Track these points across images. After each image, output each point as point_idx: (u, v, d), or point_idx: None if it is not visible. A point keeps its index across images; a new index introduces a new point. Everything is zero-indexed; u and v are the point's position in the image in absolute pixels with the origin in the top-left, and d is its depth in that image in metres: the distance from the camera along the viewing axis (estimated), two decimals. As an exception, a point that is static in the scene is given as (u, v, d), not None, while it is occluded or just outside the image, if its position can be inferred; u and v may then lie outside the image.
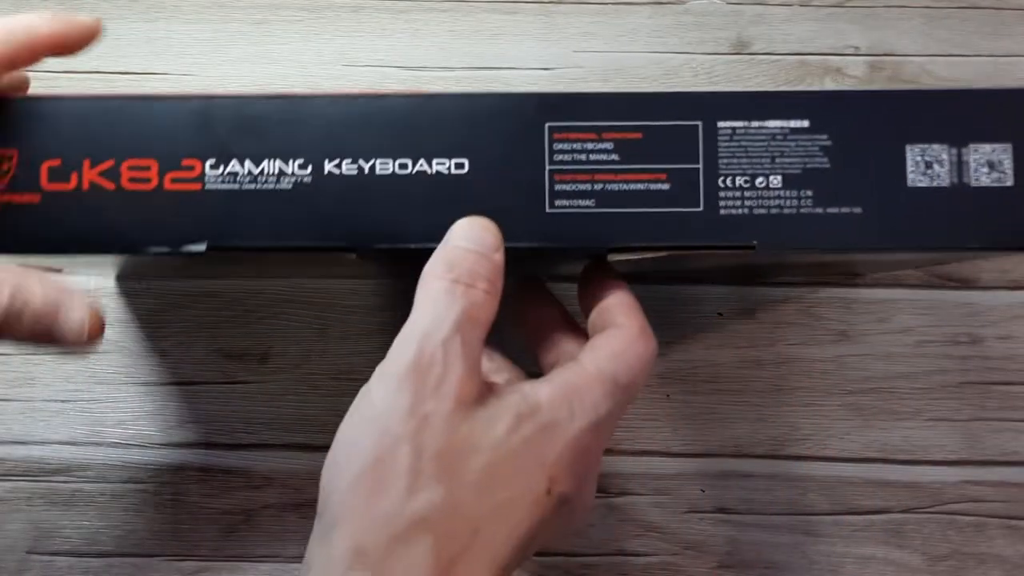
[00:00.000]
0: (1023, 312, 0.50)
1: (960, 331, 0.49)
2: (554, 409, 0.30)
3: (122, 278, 0.48)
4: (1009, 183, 0.31)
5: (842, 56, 0.53)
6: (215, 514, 0.45)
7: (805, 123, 0.31)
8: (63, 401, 0.47)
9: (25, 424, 0.47)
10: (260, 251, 0.32)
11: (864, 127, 0.31)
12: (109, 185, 0.32)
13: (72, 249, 0.32)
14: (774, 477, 0.46)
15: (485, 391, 0.30)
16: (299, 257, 0.33)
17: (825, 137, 0.31)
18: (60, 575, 0.44)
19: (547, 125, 0.32)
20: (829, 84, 0.53)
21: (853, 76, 0.53)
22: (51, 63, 0.53)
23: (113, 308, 0.48)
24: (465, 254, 0.30)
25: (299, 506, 0.45)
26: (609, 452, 0.46)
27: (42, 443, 0.46)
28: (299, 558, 0.29)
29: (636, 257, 0.33)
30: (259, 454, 0.46)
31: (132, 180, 0.32)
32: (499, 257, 0.30)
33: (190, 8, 0.54)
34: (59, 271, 0.42)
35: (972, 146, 0.31)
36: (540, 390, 0.30)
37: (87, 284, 0.47)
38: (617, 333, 0.32)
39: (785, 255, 0.35)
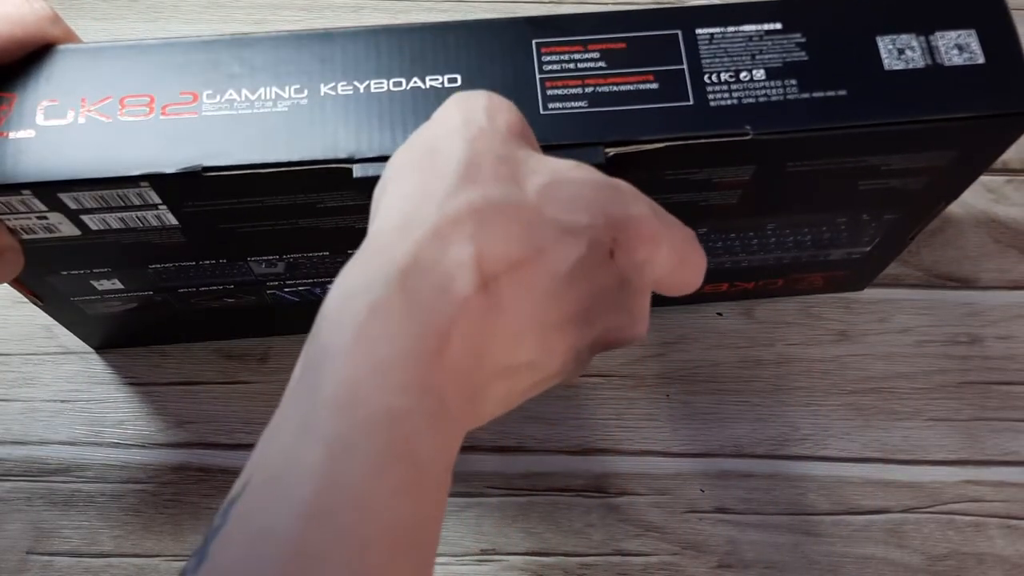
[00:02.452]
0: (1023, 312, 0.50)
1: (960, 331, 0.49)
2: (619, 184, 0.28)
3: (103, 347, 0.48)
4: (981, 60, 0.33)
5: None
6: (215, 514, 0.45)
7: (778, 25, 0.34)
8: (63, 401, 0.47)
9: (25, 424, 0.47)
10: (255, 171, 0.32)
11: (833, 24, 0.34)
12: (106, 118, 0.32)
13: (66, 180, 0.32)
14: (774, 477, 0.46)
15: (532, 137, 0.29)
16: (295, 182, 0.33)
17: (799, 35, 0.34)
18: (60, 575, 0.44)
19: (534, 42, 0.34)
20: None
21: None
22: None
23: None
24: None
25: (299, 506, 0.45)
26: (609, 452, 0.46)
27: (42, 443, 0.46)
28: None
29: (634, 150, 0.33)
30: (259, 454, 0.46)
31: (128, 112, 0.32)
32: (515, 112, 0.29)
33: (190, 8, 0.54)
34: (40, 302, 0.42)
35: (938, 33, 0.34)
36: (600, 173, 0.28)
37: None
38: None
39: (775, 186, 0.36)
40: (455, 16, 0.54)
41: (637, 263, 0.27)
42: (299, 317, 0.42)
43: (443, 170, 0.25)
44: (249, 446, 0.46)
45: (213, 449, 0.46)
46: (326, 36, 0.34)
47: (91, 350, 0.48)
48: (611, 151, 0.32)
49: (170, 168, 0.32)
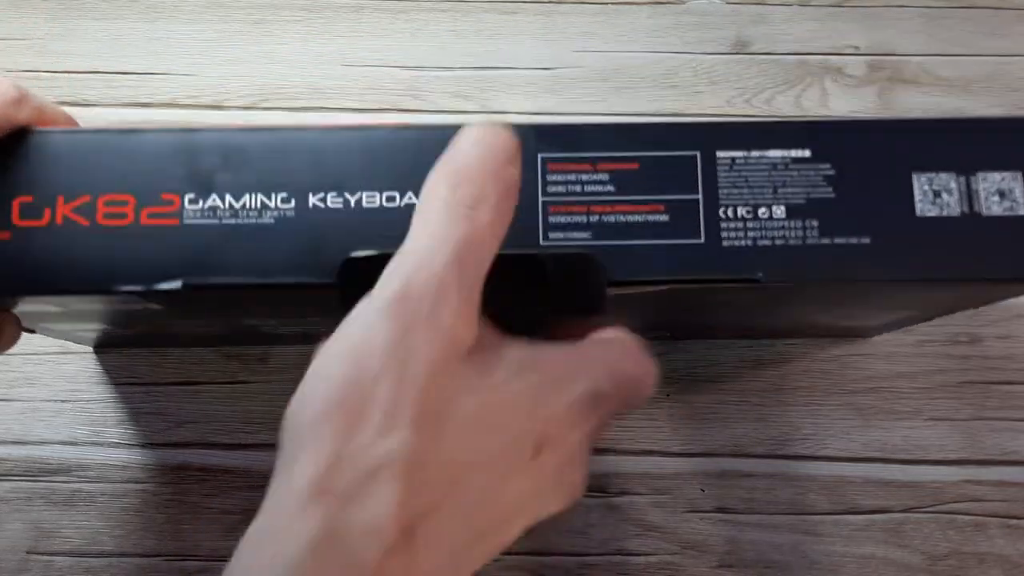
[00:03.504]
0: (1023, 312, 0.50)
1: (960, 331, 0.49)
2: (558, 366, 0.27)
3: (100, 348, 0.48)
4: (1022, 212, 0.30)
5: (842, 56, 0.53)
6: (215, 514, 0.45)
7: (807, 152, 0.30)
8: (63, 401, 0.47)
9: (25, 424, 0.47)
10: (239, 289, 0.30)
11: (868, 156, 0.30)
12: (83, 221, 0.30)
13: (42, 288, 0.30)
14: (774, 477, 0.46)
15: (481, 335, 0.26)
16: (280, 295, 0.31)
17: (828, 167, 0.30)
18: (60, 575, 0.44)
19: (540, 156, 0.31)
20: (829, 84, 0.53)
21: (853, 76, 0.53)
22: (50, 63, 0.53)
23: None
24: (470, 167, 0.26)
25: (299, 506, 0.45)
26: (609, 452, 0.46)
27: (42, 443, 0.46)
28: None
29: (635, 292, 0.31)
30: (259, 454, 0.46)
31: (107, 216, 0.30)
32: (513, 172, 0.26)
33: (190, 8, 0.54)
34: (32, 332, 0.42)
35: (981, 175, 0.30)
36: (544, 347, 0.28)
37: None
38: (628, 337, 0.30)
39: (792, 298, 0.34)
40: (455, 15, 0.54)
41: (577, 451, 0.27)
42: (301, 335, 0.42)
43: (361, 415, 0.24)
44: (249, 446, 0.46)
45: (213, 449, 0.46)
46: (320, 136, 0.31)
47: (91, 350, 0.48)
48: (612, 291, 0.30)
49: (150, 284, 0.30)
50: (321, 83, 0.53)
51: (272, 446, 0.25)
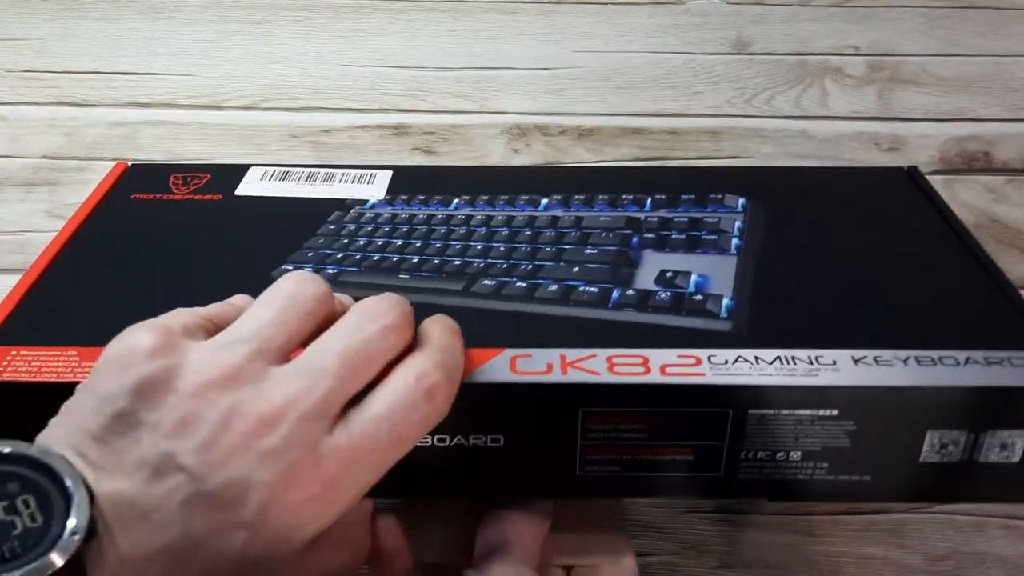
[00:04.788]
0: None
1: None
2: None
3: None
4: (1015, 460, 0.32)
5: (842, 56, 0.53)
6: None
7: (834, 412, 0.31)
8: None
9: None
10: None
11: (891, 415, 0.31)
12: None
13: None
14: (774, 477, 0.46)
15: None
16: None
17: (851, 423, 0.31)
18: (60, 575, 0.43)
19: (581, 410, 0.31)
20: (829, 84, 0.53)
21: (853, 76, 0.53)
22: (50, 63, 0.53)
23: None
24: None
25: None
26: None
27: (42, 443, 0.46)
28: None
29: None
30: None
31: None
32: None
33: (190, 8, 0.54)
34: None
35: (991, 432, 0.31)
36: None
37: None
38: None
39: None
40: (455, 16, 0.54)
41: None
42: None
43: None
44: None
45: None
46: None
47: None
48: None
49: None
50: (321, 83, 0.53)
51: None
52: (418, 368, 0.27)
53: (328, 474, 0.25)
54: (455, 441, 0.31)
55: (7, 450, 0.23)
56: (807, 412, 0.31)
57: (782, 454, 0.32)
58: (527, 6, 0.54)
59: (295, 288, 0.27)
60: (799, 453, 0.32)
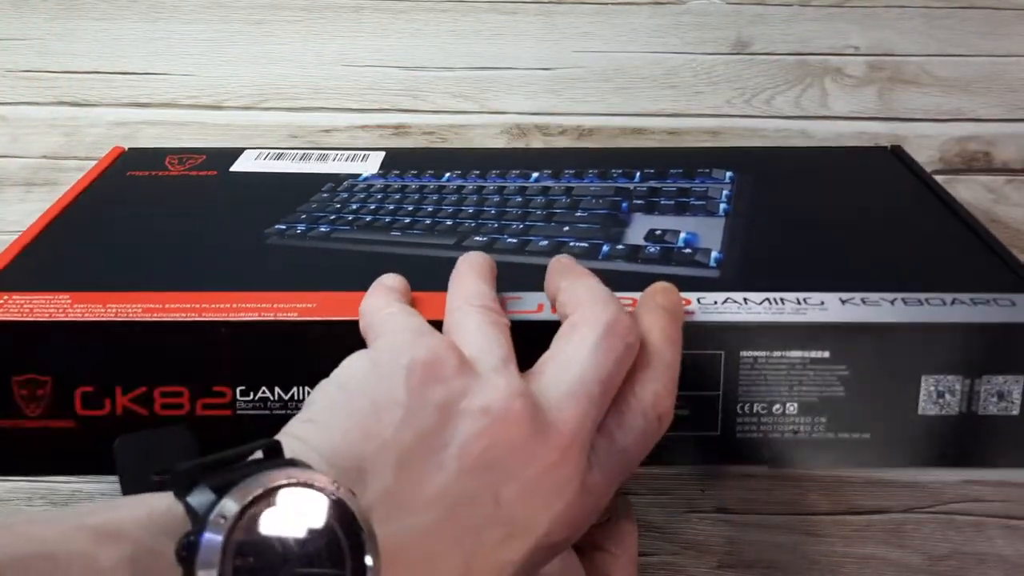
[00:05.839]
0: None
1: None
2: None
3: None
4: (1015, 412, 0.31)
5: (842, 56, 0.53)
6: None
7: (826, 354, 0.31)
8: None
9: (25, 424, 0.47)
10: None
11: (883, 358, 0.31)
12: (142, 411, 0.32)
13: (107, 470, 0.31)
14: (774, 477, 0.46)
15: None
16: None
17: (843, 368, 0.31)
18: (60, 575, 0.44)
19: None
20: (829, 84, 0.53)
21: (853, 76, 0.53)
22: (50, 63, 0.53)
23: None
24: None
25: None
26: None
27: (42, 443, 0.46)
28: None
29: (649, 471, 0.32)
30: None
31: (164, 406, 0.32)
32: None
33: (190, 8, 0.54)
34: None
35: (986, 377, 0.31)
36: None
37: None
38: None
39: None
40: (455, 16, 0.54)
41: None
42: None
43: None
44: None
45: (213, 449, 0.46)
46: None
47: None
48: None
49: None
50: (321, 83, 0.53)
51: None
52: (652, 394, 0.27)
53: (587, 511, 0.26)
54: None
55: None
56: (799, 354, 0.31)
57: (778, 406, 0.32)
58: (527, 6, 0.54)
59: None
60: (795, 405, 0.32)
